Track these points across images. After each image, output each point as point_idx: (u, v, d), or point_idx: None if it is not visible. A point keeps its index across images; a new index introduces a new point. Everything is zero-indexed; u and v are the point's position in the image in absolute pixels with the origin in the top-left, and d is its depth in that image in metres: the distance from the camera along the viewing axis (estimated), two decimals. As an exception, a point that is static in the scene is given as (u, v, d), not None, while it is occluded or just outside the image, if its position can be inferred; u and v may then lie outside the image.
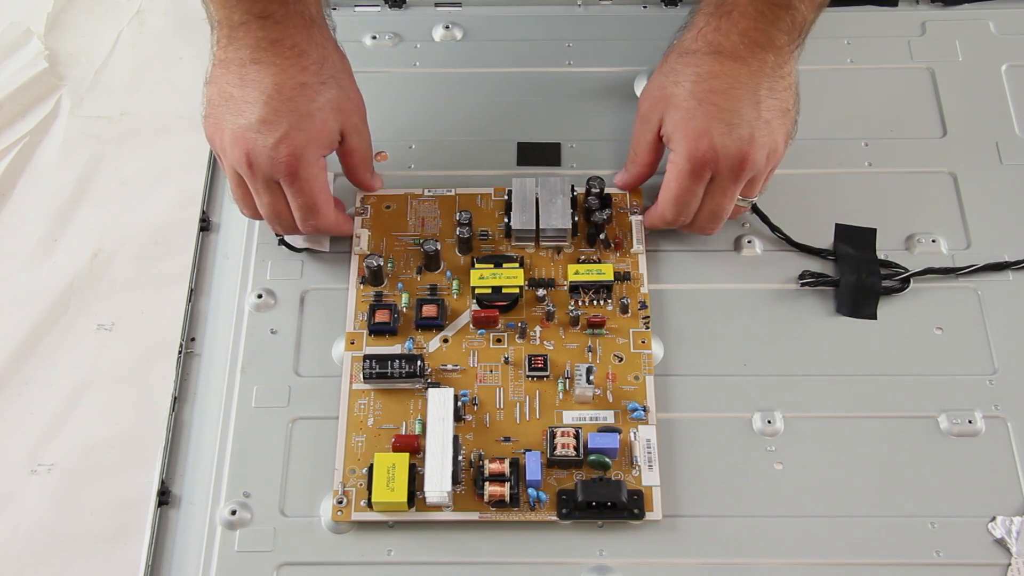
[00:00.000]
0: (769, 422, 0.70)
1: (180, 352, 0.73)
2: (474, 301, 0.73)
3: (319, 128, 0.69)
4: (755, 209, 0.76)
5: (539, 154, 0.81)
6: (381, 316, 0.72)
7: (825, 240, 0.76)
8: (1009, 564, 0.65)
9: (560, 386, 0.70)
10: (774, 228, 0.76)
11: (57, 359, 0.79)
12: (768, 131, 0.70)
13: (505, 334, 0.72)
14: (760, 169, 0.71)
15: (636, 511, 0.66)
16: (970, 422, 0.69)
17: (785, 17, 0.69)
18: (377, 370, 0.69)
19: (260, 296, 0.74)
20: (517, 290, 0.72)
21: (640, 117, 0.74)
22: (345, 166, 0.75)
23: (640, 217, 0.76)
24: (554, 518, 0.66)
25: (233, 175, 0.72)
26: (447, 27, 0.87)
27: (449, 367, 0.71)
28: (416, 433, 0.68)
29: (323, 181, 0.71)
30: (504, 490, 0.65)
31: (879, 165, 0.80)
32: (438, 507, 0.66)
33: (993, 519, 0.66)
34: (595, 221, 0.75)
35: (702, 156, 0.69)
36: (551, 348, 0.71)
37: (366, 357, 0.70)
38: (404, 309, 0.73)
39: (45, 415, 0.77)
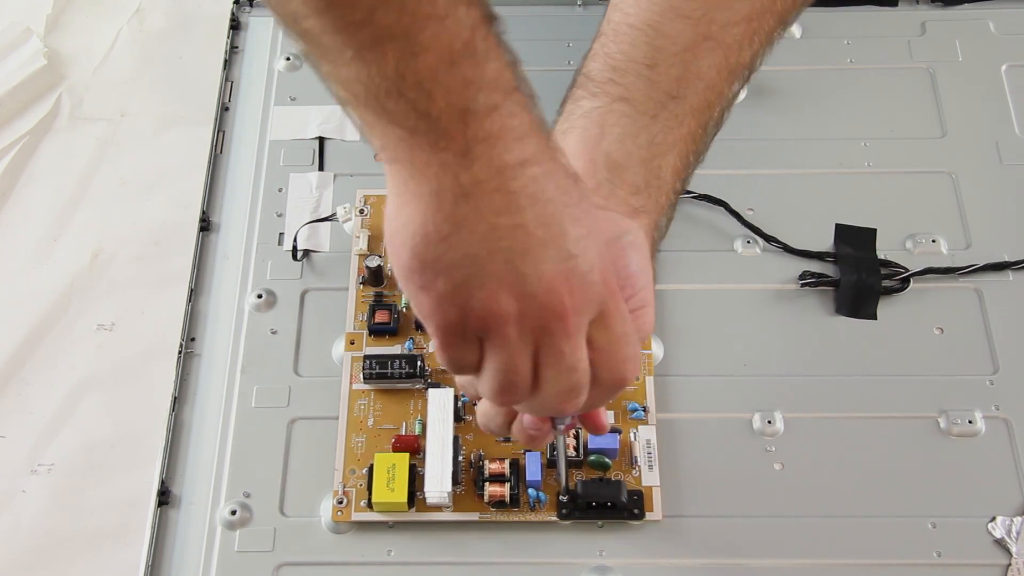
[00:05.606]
0: (769, 422, 0.69)
1: (180, 352, 0.73)
2: (474, 301, 0.73)
3: (610, 262, 0.47)
4: (747, 224, 0.75)
5: (539, 154, 0.80)
6: (381, 316, 0.72)
7: (825, 240, 0.76)
8: (1009, 564, 0.65)
9: (560, 386, 0.70)
10: (769, 238, 0.76)
11: (57, 359, 0.79)
12: None
13: (505, 334, 0.72)
14: None
15: (636, 511, 0.66)
16: (970, 422, 0.69)
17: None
18: (377, 370, 0.69)
19: (260, 296, 0.74)
20: (517, 290, 0.72)
21: None
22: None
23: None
24: (554, 518, 0.66)
25: (516, 340, 0.46)
26: (447, 27, 0.87)
27: (449, 367, 0.71)
28: (416, 433, 0.68)
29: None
30: (504, 490, 0.65)
31: (879, 165, 0.80)
32: (438, 507, 0.66)
33: (993, 519, 0.66)
34: (595, 221, 0.74)
35: None
36: (551, 348, 0.71)
37: (366, 357, 0.70)
38: (404, 309, 0.73)
39: (45, 415, 0.77)
